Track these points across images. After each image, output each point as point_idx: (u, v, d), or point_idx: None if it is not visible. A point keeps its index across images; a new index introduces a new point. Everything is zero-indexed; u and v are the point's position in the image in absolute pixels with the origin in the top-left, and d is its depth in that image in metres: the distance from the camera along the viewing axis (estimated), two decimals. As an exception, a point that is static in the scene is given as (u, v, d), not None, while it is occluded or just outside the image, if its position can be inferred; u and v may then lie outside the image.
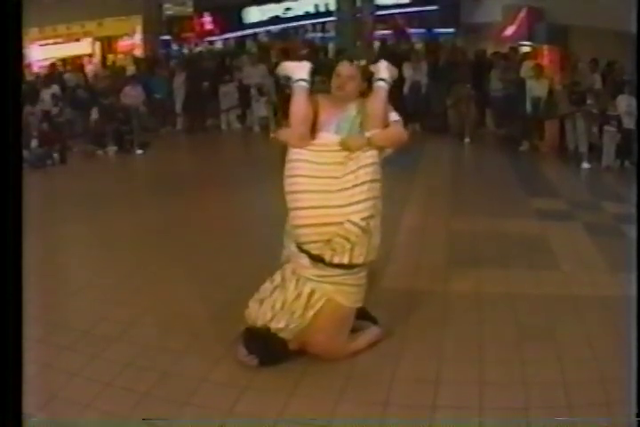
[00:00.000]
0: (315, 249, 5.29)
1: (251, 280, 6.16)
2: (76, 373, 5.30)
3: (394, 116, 5.59)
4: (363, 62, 5.62)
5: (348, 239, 5.19)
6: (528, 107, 15.18)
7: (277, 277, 5.49)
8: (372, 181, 5.26)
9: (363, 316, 5.73)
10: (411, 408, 4.72)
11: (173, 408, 4.76)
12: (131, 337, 5.93)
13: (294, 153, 5.41)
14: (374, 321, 5.83)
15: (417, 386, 5.01)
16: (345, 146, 5.31)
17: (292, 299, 5.34)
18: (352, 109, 5.54)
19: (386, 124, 5.49)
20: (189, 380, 5.15)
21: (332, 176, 5.28)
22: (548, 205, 10.29)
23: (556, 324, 5.97)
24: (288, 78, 6.00)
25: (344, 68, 5.56)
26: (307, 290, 5.34)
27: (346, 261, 5.29)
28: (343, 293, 5.39)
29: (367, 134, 5.34)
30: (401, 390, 4.95)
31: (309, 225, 5.23)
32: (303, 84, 5.67)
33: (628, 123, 12.91)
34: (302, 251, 5.35)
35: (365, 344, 5.63)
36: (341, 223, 5.14)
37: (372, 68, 5.67)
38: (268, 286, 5.49)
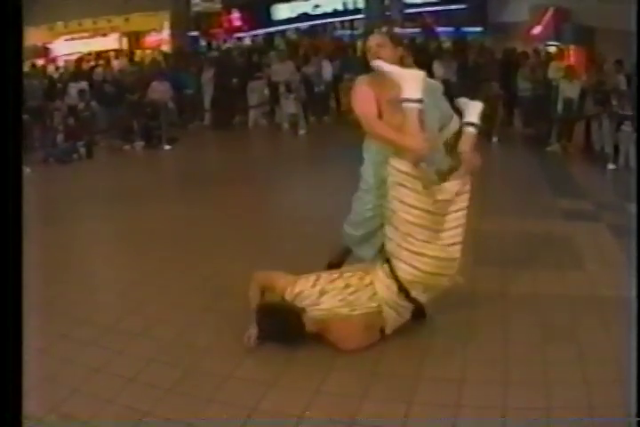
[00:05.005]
0: (413, 289, 5.43)
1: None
2: (99, 368, 5.32)
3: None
4: (385, 29, 5.59)
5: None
6: (559, 108, 15.11)
7: (353, 281, 5.50)
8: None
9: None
10: (435, 407, 4.70)
11: (197, 405, 4.77)
12: (155, 333, 5.94)
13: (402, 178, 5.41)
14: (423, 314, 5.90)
15: (441, 385, 4.99)
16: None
17: (360, 314, 5.42)
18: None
19: None
20: (214, 376, 5.15)
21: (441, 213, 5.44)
22: (574, 206, 10.24)
23: (580, 324, 5.94)
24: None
25: (371, 39, 5.64)
26: (376, 309, 5.43)
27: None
28: (400, 319, 5.56)
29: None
30: (425, 389, 4.93)
31: (428, 273, 5.37)
32: (419, 106, 5.39)
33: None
34: (397, 283, 5.42)
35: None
36: (451, 275, 5.45)
37: (457, 104, 5.83)
38: (336, 280, 5.53)
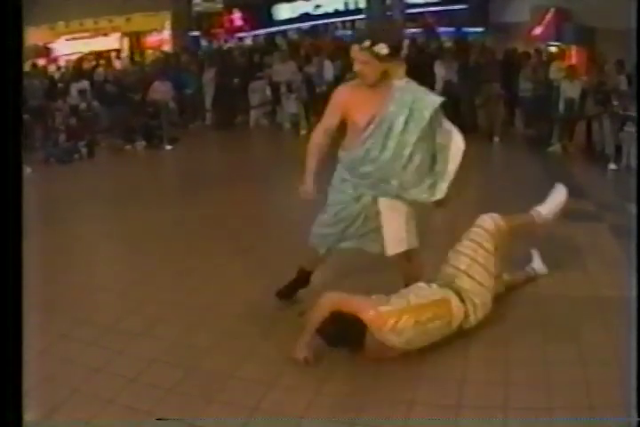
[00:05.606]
0: None
1: (279, 278, 6.17)
2: (99, 368, 5.32)
3: None
4: (367, 43, 5.35)
5: None
6: (561, 108, 15.08)
7: (439, 326, 5.37)
8: None
9: None
10: (436, 408, 4.70)
11: (198, 405, 4.77)
12: (156, 333, 5.95)
13: None
14: None
15: (442, 386, 4.99)
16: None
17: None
18: (389, 103, 5.49)
19: None
20: (215, 377, 5.16)
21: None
22: (575, 206, 10.21)
23: (581, 325, 5.93)
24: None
25: (354, 53, 5.46)
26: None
27: None
28: None
29: None
30: (426, 390, 4.94)
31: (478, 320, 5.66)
32: None
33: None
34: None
35: None
36: None
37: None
38: (431, 320, 5.30)
